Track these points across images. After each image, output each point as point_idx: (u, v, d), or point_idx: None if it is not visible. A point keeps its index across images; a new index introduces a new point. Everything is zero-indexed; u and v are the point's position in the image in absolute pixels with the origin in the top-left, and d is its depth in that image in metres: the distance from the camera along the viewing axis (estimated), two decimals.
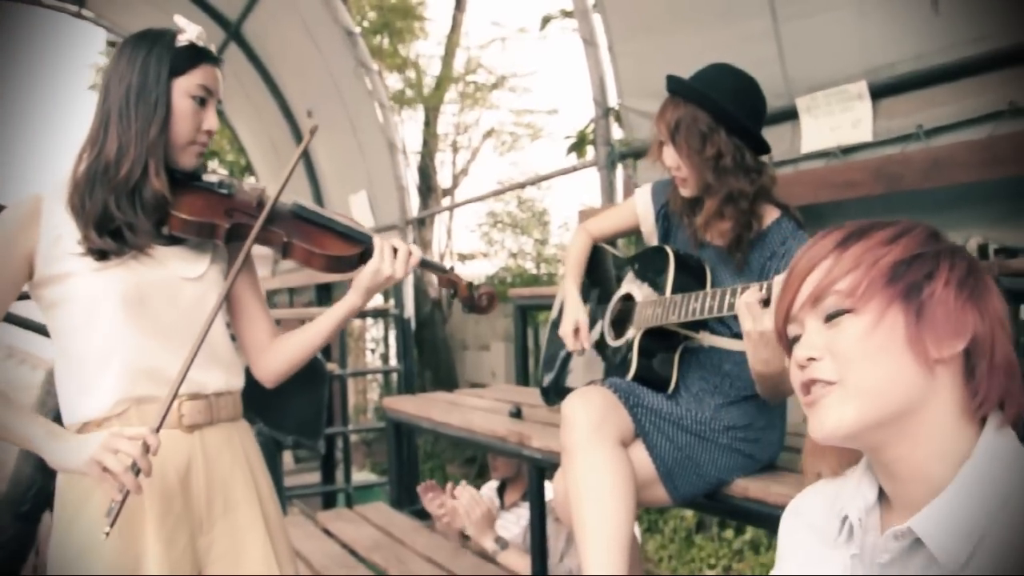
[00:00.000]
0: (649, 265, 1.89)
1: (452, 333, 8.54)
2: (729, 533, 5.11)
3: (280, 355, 1.57)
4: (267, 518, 1.50)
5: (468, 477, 7.99)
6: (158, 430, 1.29)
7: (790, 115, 2.90)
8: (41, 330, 3.26)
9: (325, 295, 6.69)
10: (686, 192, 1.80)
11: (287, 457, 7.03)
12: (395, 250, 1.53)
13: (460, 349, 8.78)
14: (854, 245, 0.88)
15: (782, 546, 1.05)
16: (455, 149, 8.51)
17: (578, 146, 5.89)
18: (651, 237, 1.98)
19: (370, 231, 1.62)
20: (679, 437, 1.69)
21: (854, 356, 0.84)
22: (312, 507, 4.86)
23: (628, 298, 1.94)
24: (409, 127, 8.59)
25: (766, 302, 1.45)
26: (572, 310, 1.98)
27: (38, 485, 2.61)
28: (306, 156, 6.52)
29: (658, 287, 1.81)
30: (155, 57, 1.42)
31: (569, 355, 2.18)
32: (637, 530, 2.67)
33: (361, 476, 6.05)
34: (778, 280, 1.52)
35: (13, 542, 2.76)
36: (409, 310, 5.61)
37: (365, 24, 7.98)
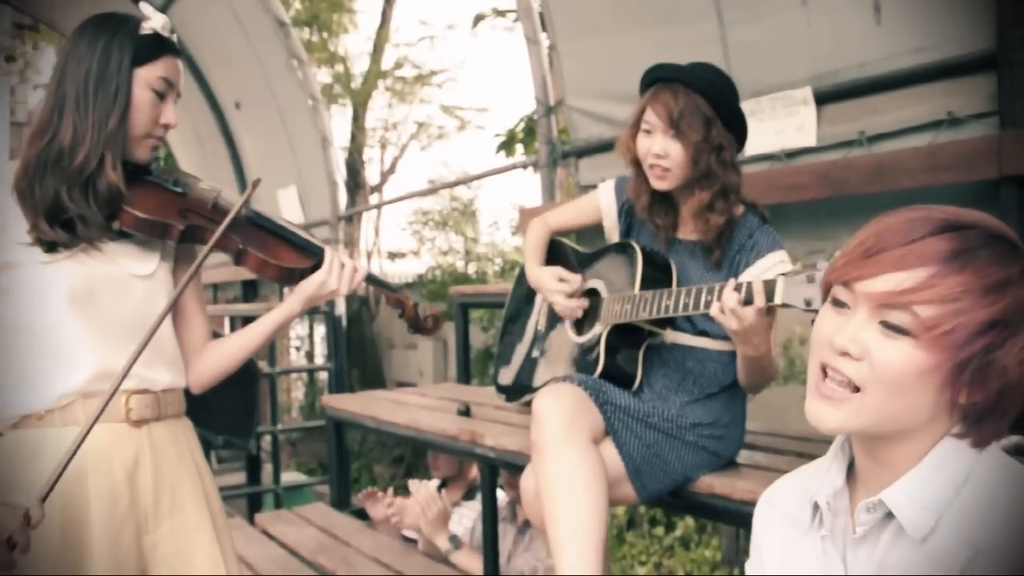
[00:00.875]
0: (615, 261, 1.89)
1: (379, 331, 8.43)
2: (660, 530, 5.20)
3: (211, 361, 1.55)
4: (214, 518, 1.48)
5: (395, 477, 7.90)
6: (44, 498, 1.16)
7: None
8: None
9: (251, 291, 6.52)
10: (664, 185, 1.78)
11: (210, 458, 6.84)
12: (342, 265, 1.54)
13: (387, 348, 8.68)
14: (960, 274, 0.80)
15: (757, 536, 1.08)
16: (383, 145, 8.39)
17: (507, 144, 5.89)
18: (612, 233, 1.98)
19: (318, 239, 1.62)
20: (647, 435, 1.70)
21: (889, 381, 0.82)
22: (236, 508, 4.71)
23: (592, 293, 1.93)
24: (337, 122, 8.45)
25: (747, 302, 1.45)
26: (546, 271, 1.95)
27: None
28: (232, 148, 6.34)
29: (625, 284, 1.81)
30: (117, 43, 1.38)
31: (530, 351, 2.17)
32: None
33: (290, 476, 5.90)
34: (754, 278, 1.54)
35: None
36: (341, 307, 5.50)
37: (291, 15, 7.81)
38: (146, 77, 1.40)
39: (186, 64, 6.02)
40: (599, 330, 1.84)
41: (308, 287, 1.52)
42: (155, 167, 1.51)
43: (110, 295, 1.40)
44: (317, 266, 1.54)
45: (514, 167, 4.28)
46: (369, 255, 8.18)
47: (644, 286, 1.76)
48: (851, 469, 0.96)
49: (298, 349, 8.84)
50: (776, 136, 2.87)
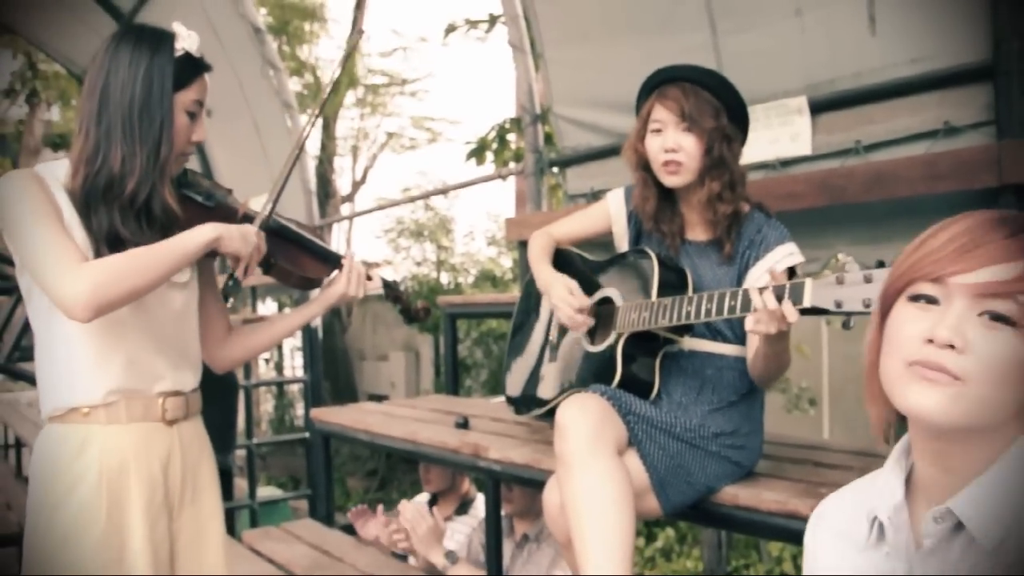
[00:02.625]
0: (629, 268, 1.87)
1: (351, 343, 8.33)
2: (640, 541, 5.18)
3: (238, 349, 1.71)
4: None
5: (369, 490, 7.79)
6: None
7: None
8: None
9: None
10: (677, 180, 1.79)
11: None
12: (359, 272, 1.69)
13: (358, 359, 8.58)
14: None
15: (810, 554, 1.05)
16: (355, 155, 8.32)
17: (478, 152, 5.86)
18: (621, 240, 1.97)
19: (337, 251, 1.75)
20: (670, 445, 1.67)
21: (994, 371, 0.81)
22: None
23: (606, 301, 1.90)
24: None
25: (779, 296, 1.42)
26: (557, 280, 1.92)
27: None
28: (203, 157, 6.22)
29: (642, 291, 1.78)
30: (157, 68, 1.43)
31: (540, 361, 2.13)
32: None
33: (265, 491, 5.78)
34: (758, 274, 1.53)
35: None
36: (316, 319, 5.41)
37: (269, 24, 7.71)
38: (183, 101, 1.47)
39: None
40: (615, 338, 1.81)
41: (332, 294, 1.68)
42: (190, 177, 1.60)
43: (155, 301, 1.49)
44: (329, 273, 1.70)
45: (498, 176, 4.24)
46: None
47: (661, 293, 1.74)
48: (909, 481, 0.94)
49: (267, 361, 8.72)
50: (771, 145, 2.87)
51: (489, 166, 5.34)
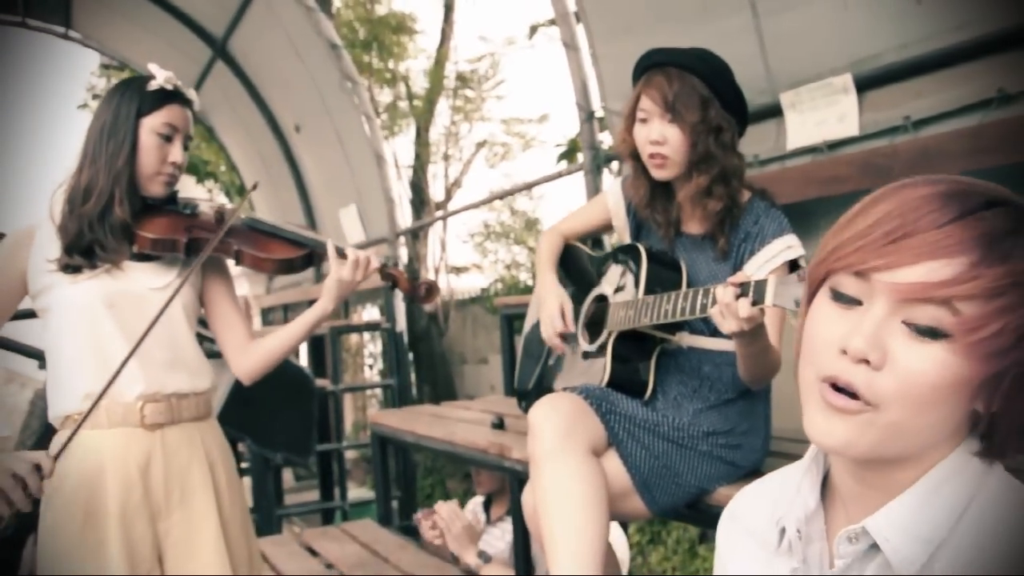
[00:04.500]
0: (621, 264, 1.82)
1: (450, 347, 8.45)
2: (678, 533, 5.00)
3: (257, 354, 1.75)
4: (222, 510, 1.66)
5: (469, 492, 7.89)
6: (57, 456, 1.43)
7: (774, 111, 2.83)
8: (28, 352, 3.29)
9: None
10: (663, 174, 1.72)
11: (287, 475, 6.96)
12: (356, 258, 1.69)
13: (459, 363, 8.69)
14: (1005, 263, 0.65)
15: (721, 554, 0.95)
16: (446, 160, 8.45)
17: (569, 154, 5.83)
18: (623, 233, 1.92)
19: (312, 235, 1.79)
20: (655, 445, 1.61)
21: (915, 394, 0.67)
22: (312, 525, 4.78)
23: (601, 299, 1.86)
24: (401, 140, 8.55)
25: (742, 293, 1.35)
26: (553, 294, 1.90)
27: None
28: (295, 170, 6.48)
29: (630, 288, 1.73)
30: (126, 99, 1.63)
31: (547, 361, 2.10)
32: (623, 543, 2.58)
33: (360, 492, 5.96)
34: (753, 270, 1.45)
35: None
36: (401, 324, 5.53)
37: (358, 39, 7.95)
38: (151, 124, 1.62)
39: (247, 90, 6.22)
40: (605, 337, 1.77)
41: (328, 283, 1.70)
42: (181, 201, 1.73)
43: (129, 307, 1.61)
44: (310, 255, 1.74)
45: (559, 175, 4.21)
46: (436, 271, 8.22)
47: (649, 289, 1.68)
48: (826, 482, 0.82)
49: (371, 367, 8.96)
50: (817, 127, 2.73)
51: (560, 164, 5.31)
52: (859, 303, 0.70)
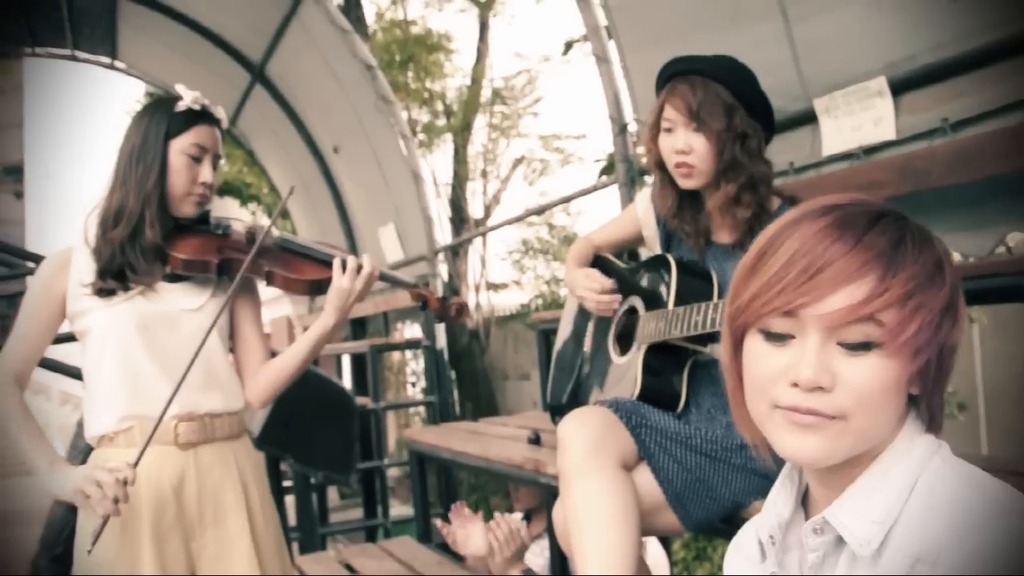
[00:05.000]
0: (652, 276, 1.80)
1: (492, 364, 8.46)
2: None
3: (264, 379, 1.74)
4: (255, 528, 1.67)
5: (511, 509, 7.85)
6: (136, 464, 1.49)
7: (808, 118, 2.79)
8: (79, 375, 3.36)
9: (360, 329, 6.68)
10: (690, 183, 1.70)
11: (332, 493, 7.01)
12: (359, 267, 1.68)
13: (501, 379, 8.70)
14: (904, 268, 0.74)
15: None
16: (484, 177, 8.48)
17: (610, 168, 5.81)
18: (653, 244, 1.89)
19: (335, 252, 1.77)
20: (688, 458, 1.58)
21: (871, 400, 0.75)
22: (356, 543, 4.79)
23: (632, 311, 1.84)
24: (439, 159, 8.61)
25: None
26: (580, 273, 1.88)
27: (71, 527, 2.66)
28: (334, 190, 6.55)
29: (661, 299, 1.71)
30: (155, 121, 1.64)
31: (580, 374, 2.08)
32: (664, 561, 2.54)
33: (403, 510, 5.97)
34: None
35: None
36: (442, 341, 5.54)
37: (394, 59, 8.04)
38: (180, 145, 1.64)
39: (286, 113, 6.32)
40: (636, 350, 1.74)
41: (330, 296, 1.69)
42: (213, 220, 1.75)
43: (163, 329, 1.64)
44: None
45: (594, 188, 4.20)
46: (477, 288, 8.25)
47: (680, 301, 1.66)
48: (808, 497, 0.88)
49: (413, 384, 9.00)
50: (853, 133, 2.67)
51: (594, 177, 5.29)
52: (792, 337, 0.77)
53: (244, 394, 1.75)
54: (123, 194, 1.63)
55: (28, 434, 1.58)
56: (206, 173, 1.67)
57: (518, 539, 2.42)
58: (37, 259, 3.20)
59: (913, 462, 0.78)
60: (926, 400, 0.80)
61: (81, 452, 3.02)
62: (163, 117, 1.64)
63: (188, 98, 1.66)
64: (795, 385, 0.75)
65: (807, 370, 0.74)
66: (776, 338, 0.78)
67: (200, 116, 1.67)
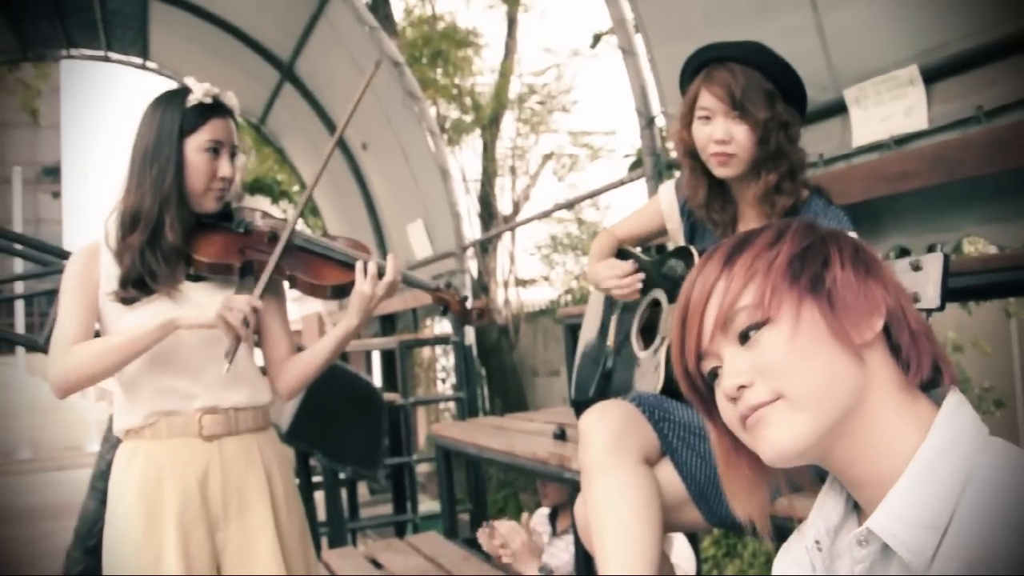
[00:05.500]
0: (675, 268, 1.77)
1: (521, 360, 8.45)
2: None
3: (292, 372, 1.76)
4: (279, 519, 1.69)
5: (540, 505, 7.84)
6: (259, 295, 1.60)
7: (838, 109, 2.74)
8: None
9: (389, 326, 6.71)
10: (728, 171, 1.66)
11: (362, 489, 7.04)
12: (377, 272, 1.69)
13: (530, 376, 8.68)
14: (740, 257, 0.84)
15: None
16: (513, 173, 8.47)
17: (638, 163, 5.77)
18: (677, 235, 1.86)
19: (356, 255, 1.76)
20: (711, 454, 1.55)
21: (787, 366, 0.79)
22: (385, 538, 4.81)
23: (656, 304, 1.81)
24: (468, 156, 8.61)
25: None
26: (603, 264, 1.87)
27: (103, 520, 2.71)
28: (363, 187, 6.58)
29: None
30: (167, 118, 1.62)
31: (604, 368, 2.06)
32: (690, 557, 2.52)
33: (432, 506, 5.98)
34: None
35: (84, 573, 2.88)
36: (470, 337, 5.54)
37: (423, 55, 8.05)
38: (196, 143, 1.63)
39: (315, 111, 6.36)
40: (659, 343, 1.72)
41: (352, 299, 1.71)
42: (236, 216, 1.73)
43: (187, 330, 1.61)
44: None
45: (622, 183, 4.17)
46: (506, 284, 8.24)
47: None
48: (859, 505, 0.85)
49: (444, 380, 9.02)
50: (883, 123, 2.62)
51: (622, 171, 5.26)
52: (719, 367, 0.84)
53: (273, 386, 1.77)
54: (139, 196, 1.61)
55: (120, 334, 1.59)
56: (224, 167, 1.65)
57: (521, 534, 2.42)
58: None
59: (959, 457, 0.75)
60: (914, 357, 0.80)
61: (113, 446, 3.07)
62: (175, 113, 1.61)
63: (198, 91, 1.63)
64: (733, 400, 0.81)
65: (726, 381, 0.81)
66: (713, 377, 0.85)
67: (213, 109, 1.64)
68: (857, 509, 0.84)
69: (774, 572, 0.95)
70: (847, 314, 0.79)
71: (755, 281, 0.81)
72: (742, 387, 0.80)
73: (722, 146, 1.64)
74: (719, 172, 1.68)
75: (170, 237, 1.60)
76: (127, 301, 1.61)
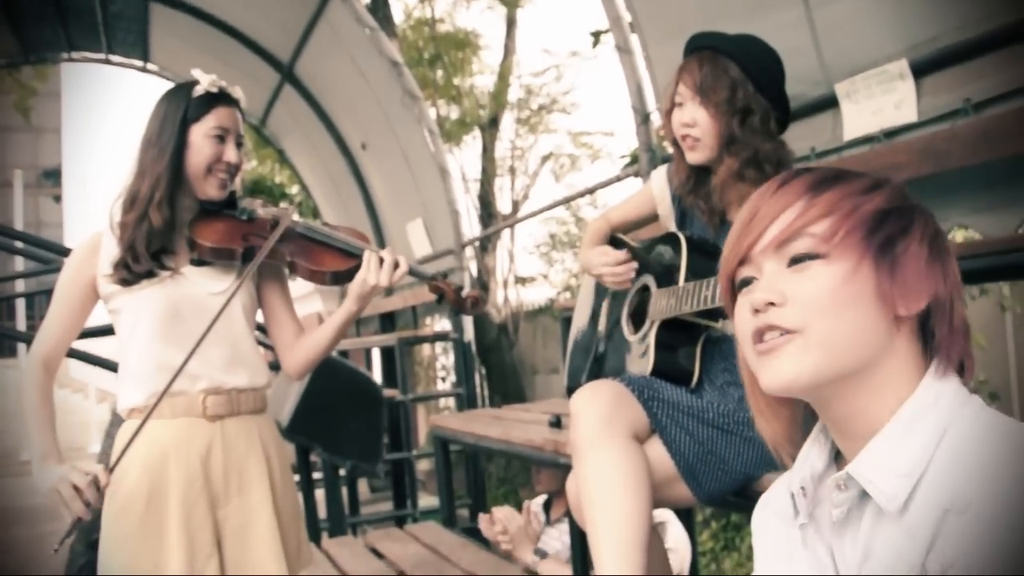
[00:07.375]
0: (663, 253, 1.81)
1: (521, 358, 8.49)
2: None
3: (300, 352, 1.80)
4: (276, 498, 1.73)
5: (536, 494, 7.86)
6: (111, 469, 1.56)
7: (830, 103, 2.78)
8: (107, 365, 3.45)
9: (389, 324, 6.74)
10: (695, 157, 1.72)
11: (363, 486, 7.08)
12: (381, 260, 1.71)
13: (530, 373, 8.73)
14: (830, 190, 0.83)
15: (755, 542, 1.00)
16: (512, 173, 8.51)
17: (635, 161, 5.82)
18: (668, 221, 1.91)
19: (360, 244, 1.79)
20: (700, 431, 1.60)
21: (822, 305, 0.79)
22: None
23: (645, 289, 1.85)
24: (467, 156, 8.65)
25: None
26: (594, 251, 1.90)
27: None
28: (363, 186, 6.62)
29: (672, 276, 1.73)
30: (172, 108, 1.67)
31: (595, 352, 2.10)
32: (685, 541, 2.55)
33: (432, 502, 6.02)
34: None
35: (87, 568, 2.92)
36: (469, 334, 5.58)
37: (423, 57, 8.09)
38: (202, 130, 1.66)
39: (315, 111, 6.41)
40: (649, 326, 1.76)
41: (354, 286, 1.72)
42: (240, 205, 1.76)
43: (190, 311, 1.67)
44: (359, 266, 1.74)
45: (617, 179, 4.21)
46: (505, 282, 8.28)
47: (691, 277, 1.67)
48: (840, 455, 0.88)
49: (443, 379, 9.06)
50: (874, 116, 2.67)
51: (618, 169, 5.30)
52: (756, 278, 0.85)
53: (283, 366, 1.83)
54: (139, 179, 1.67)
55: (38, 423, 1.62)
56: (230, 153, 1.68)
57: (517, 520, 2.47)
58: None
59: (940, 412, 0.77)
60: (922, 326, 0.82)
61: (114, 426, 3.13)
62: (180, 102, 1.66)
63: (205, 82, 1.67)
64: (756, 312, 0.81)
65: (758, 293, 0.82)
66: (744, 284, 0.85)
67: (219, 99, 1.68)
68: (838, 459, 0.87)
69: (754, 526, 0.98)
70: (901, 284, 0.80)
71: (834, 216, 0.81)
72: (771, 304, 0.80)
73: (687, 129, 1.71)
74: (688, 157, 1.75)
75: (155, 219, 1.64)
76: (125, 282, 1.64)
